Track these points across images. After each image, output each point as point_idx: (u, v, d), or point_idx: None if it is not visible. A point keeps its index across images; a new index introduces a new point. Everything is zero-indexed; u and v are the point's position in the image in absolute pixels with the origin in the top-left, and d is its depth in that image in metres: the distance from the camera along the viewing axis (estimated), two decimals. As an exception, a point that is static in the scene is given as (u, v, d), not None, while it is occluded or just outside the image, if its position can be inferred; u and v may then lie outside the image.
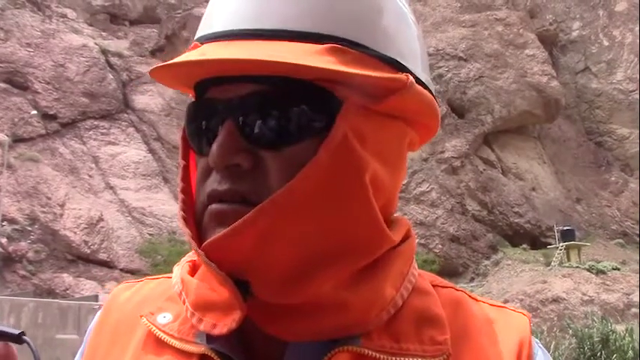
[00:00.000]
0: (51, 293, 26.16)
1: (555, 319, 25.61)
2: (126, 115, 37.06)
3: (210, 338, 0.60)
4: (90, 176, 32.82)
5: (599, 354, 12.69)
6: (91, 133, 35.05)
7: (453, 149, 36.98)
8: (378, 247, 0.59)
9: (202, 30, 0.62)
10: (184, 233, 0.60)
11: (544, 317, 27.22)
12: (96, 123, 35.60)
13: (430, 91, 0.63)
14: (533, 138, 43.50)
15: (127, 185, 33.45)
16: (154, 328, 0.63)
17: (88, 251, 29.30)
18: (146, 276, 0.78)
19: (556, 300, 29.72)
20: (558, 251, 35.21)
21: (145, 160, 35.28)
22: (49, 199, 29.98)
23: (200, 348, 0.59)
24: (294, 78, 0.56)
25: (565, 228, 37.01)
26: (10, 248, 27.29)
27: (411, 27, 0.64)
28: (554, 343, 13.45)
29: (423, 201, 35.08)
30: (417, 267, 0.66)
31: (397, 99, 0.58)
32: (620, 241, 40.49)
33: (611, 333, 13.04)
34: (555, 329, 16.74)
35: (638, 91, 44.27)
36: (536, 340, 0.65)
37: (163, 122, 37.29)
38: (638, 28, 44.83)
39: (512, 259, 35.30)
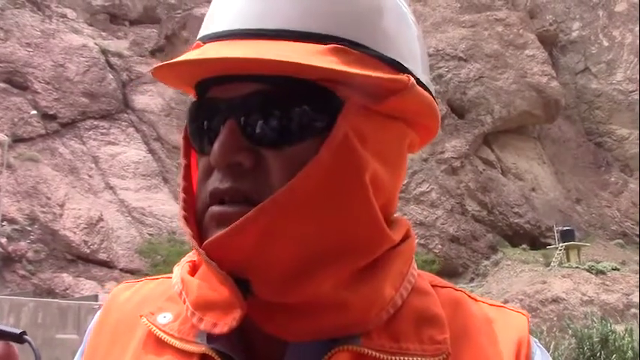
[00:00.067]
0: (51, 293, 26.16)
1: (555, 319, 25.62)
2: (126, 115, 37.06)
3: (210, 338, 0.60)
4: (90, 176, 32.82)
5: (598, 354, 12.68)
6: (90, 133, 35.04)
7: (453, 149, 36.98)
8: (378, 246, 0.60)
9: (204, 30, 0.62)
10: (185, 232, 0.60)
11: (544, 317, 27.23)
12: (96, 123, 35.60)
13: (430, 92, 0.63)
14: (533, 138, 43.51)
15: (127, 185, 33.45)
16: (154, 328, 0.63)
17: (88, 251, 29.31)
18: (146, 276, 0.78)
19: (556, 300, 29.72)
20: (558, 251, 35.20)
21: (145, 160, 35.28)
22: (49, 199, 29.98)
23: (200, 348, 0.59)
24: (296, 78, 0.56)
25: (565, 228, 37.00)
26: (10, 248, 27.29)
27: (411, 28, 0.65)
28: (553, 343, 13.45)
29: (422, 201, 35.08)
30: (416, 267, 0.66)
31: (398, 100, 0.58)
32: (620, 241, 40.48)
33: (610, 333, 13.04)
34: (555, 329, 16.75)
35: (637, 92, 44.26)
36: (535, 339, 0.65)
37: (163, 122, 37.29)
38: (637, 29, 44.83)
39: (511, 260, 35.30)
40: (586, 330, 13.58)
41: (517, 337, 0.63)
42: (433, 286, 0.66)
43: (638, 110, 43.63)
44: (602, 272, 32.81)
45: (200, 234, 0.59)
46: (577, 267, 33.48)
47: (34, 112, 32.39)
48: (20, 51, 35.43)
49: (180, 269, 0.66)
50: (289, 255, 0.56)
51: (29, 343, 0.70)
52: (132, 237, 30.79)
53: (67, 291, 26.99)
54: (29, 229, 28.40)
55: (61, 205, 30.12)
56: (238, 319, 0.56)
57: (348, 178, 0.56)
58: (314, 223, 0.56)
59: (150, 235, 31.00)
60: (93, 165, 33.57)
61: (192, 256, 0.67)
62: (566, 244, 35.87)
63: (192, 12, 40.39)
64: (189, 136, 0.63)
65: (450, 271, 31.69)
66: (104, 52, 38.69)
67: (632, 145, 44.89)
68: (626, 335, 13.18)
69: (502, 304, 0.68)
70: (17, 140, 31.34)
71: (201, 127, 0.61)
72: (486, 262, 35.12)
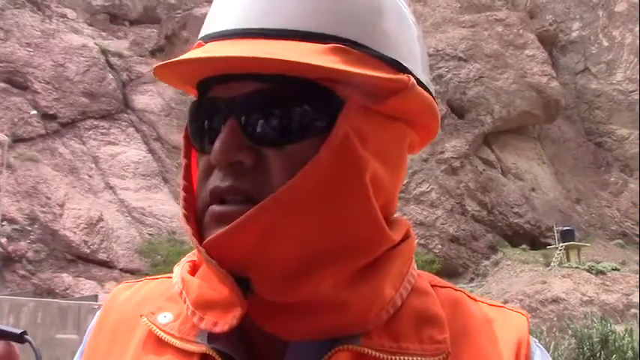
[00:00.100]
0: (50, 293, 26.16)
1: (555, 319, 25.62)
2: (126, 115, 37.06)
3: (211, 338, 0.60)
4: (90, 176, 32.82)
5: (598, 354, 12.68)
6: (90, 133, 35.04)
7: (453, 149, 36.98)
8: (378, 245, 0.60)
9: (206, 29, 0.63)
10: (185, 230, 0.60)
11: (543, 317, 27.23)
12: (96, 123, 35.60)
13: (430, 93, 0.63)
14: (533, 138, 43.50)
15: (127, 185, 33.45)
16: (155, 327, 0.63)
17: (88, 251, 29.31)
18: (146, 276, 0.78)
19: (555, 300, 29.72)
20: (558, 251, 35.20)
21: (145, 160, 35.28)
22: (49, 199, 29.98)
23: (201, 347, 0.59)
24: (297, 77, 0.56)
25: (565, 228, 37.00)
26: (10, 248, 27.29)
27: (412, 28, 0.65)
28: (553, 343, 13.45)
29: (422, 201, 35.08)
30: (416, 267, 0.66)
31: (398, 99, 0.58)
32: (620, 241, 40.48)
33: (610, 333, 13.03)
34: (555, 329, 16.75)
35: (637, 92, 44.26)
36: (535, 339, 0.65)
37: (163, 122, 37.29)
38: (637, 29, 44.83)
39: (511, 260, 35.30)
40: (586, 330, 13.57)
41: (517, 337, 0.63)
42: (433, 286, 0.66)
43: (638, 110, 43.63)
44: (602, 272, 32.81)
45: (200, 233, 0.59)
46: (577, 267, 33.48)
47: (34, 112, 32.39)
48: (20, 51, 35.43)
49: (180, 269, 0.66)
50: (289, 253, 0.56)
51: (30, 343, 0.70)
52: (132, 237, 30.79)
53: (67, 291, 26.99)
54: (29, 229, 28.40)
55: (61, 205, 30.12)
56: (238, 318, 0.56)
57: (349, 177, 0.57)
58: (314, 222, 0.56)
59: (150, 235, 31.00)
60: (93, 165, 33.56)
61: (192, 256, 0.67)
62: (566, 244, 35.87)
63: (192, 12, 40.39)
64: (189, 135, 0.63)
65: (449, 271, 31.70)
66: (104, 52, 38.69)
67: (632, 145, 44.88)
68: (626, 335, 13.17)
69: (502, 304, 0.68)
70: (17, 140, 31.34)
71: (202, 126, 0.61)
72: (486, 262, 35.12)
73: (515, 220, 38.09)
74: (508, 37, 41.86)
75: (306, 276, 0.56)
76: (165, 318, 0.63)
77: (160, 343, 0.62)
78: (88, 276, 28.49)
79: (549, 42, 45.52)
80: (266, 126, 0.57)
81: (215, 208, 0.58)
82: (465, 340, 0.61)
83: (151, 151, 36.11)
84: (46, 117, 33.95)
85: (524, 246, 36.82)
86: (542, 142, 44.17)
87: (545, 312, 28.68)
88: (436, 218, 34.97)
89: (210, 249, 0.56)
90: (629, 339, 13.04)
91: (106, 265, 29.47)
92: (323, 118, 0.57)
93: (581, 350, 13.01)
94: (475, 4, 43.34)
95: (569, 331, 14.21)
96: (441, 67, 39.23)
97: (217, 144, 0.57)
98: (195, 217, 0.61)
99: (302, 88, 0.57)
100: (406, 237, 0.65)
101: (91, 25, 42.23)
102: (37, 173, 30.70)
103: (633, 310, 28.57)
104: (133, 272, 26.87)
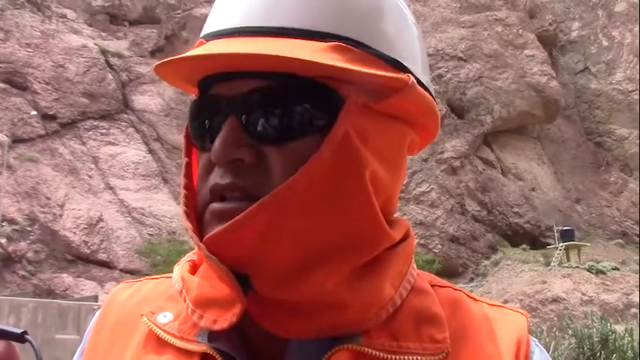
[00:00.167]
0: (50, 293, 26.17)
1: (555, 319, 25.60)
2: (125, 115, 37.07)
3: (211, 337, 0.60)
4: (89, 176, 32.83)
5: (598, 354, 12.68)
6: (90, 133, 35.05)
7: (453, 149, 36.99)
8: (377, 243, 0.60)
9: (207, 28, 0.63)
10: (186, 227, 0.60)
11: (543, 317, 27.22)
12: (95, 123, 35.61)
13: (430, 93, 0.63)
14: (533, 138, 43.51)
15: (127, 185, 33.45)
16: (155, 327, 0.63)
17: (88, 251, 29.31)
18: (146, 276, 0.78)
19: (555, 300, 29.73)
20: (558, 251, 35.20)
21: (145, 161, 35.28)
22: (49, 199, 29.98)
23: (201, 347, 0.59)
24: (297, 75, 0.56)
25: (564, 228, 37.00)
26: (10, 248, 27.29)
27: (412, 28, 0.65)
28: (553, 343, 13.44)
29: (422, 201, 35.09)
30: (415, 267, 0.67)
31: (399, 98, 0.59)
32: (620, 241, 40.50)
33: (610, 333, 13.03)
34: (555, 329, 16.73)
35: (637, 92, 44.27)
36: (534, 339, 0.65)
37: (163, 122, 37.29)
38: (637, 29, 44.84)
39: (511, 260, 35.30)
40: (586, 330, 13.57)
41: (516, 337, 0.63)
42: (432, 285, 0.67)
43: (637, 110, 43.64)
44: (602, 272, 32.83)
45: (201, 230, 0.59)
46: (577, 267, 33.49)
47: (34, 112, 32.41)
48: (20, 51, 35.44)
49: (180, 268, 0.66)
50: (289, 250, 0.56)
51: (30, 343, 0.70)
52: (132, 237, 30.79)
53: (67, 291, 27.00)
54: (29, 229, 28.41)
55: (61, 206, 30.12)
56: (238, 315, 0.56)
57: (349, 175, 0.57)
58: (314, 220, 0.56)
59: (150, 235, 31.00)
60: (93, 165, 33.57)
61: (192, 255, 0.67)
62: (566, 243, 35.87)
63: (192, 12, 40.40)
64: (190, 133, 0.63)
65: (449, 271, 31.70)
66: (104, 52, 38.71)
67: (631, 144, 44.89)
68: (626, 335, 13.17)
69: (501, 304, 0.68)
70: (17, 141, 31.36)
71: (202, 124, 0.61)
72: (486, 262, 35.12)
73: (515, 220, 38.10)
74: (508, 37, 41.87)
75: (305, 273, 0.56)
76: (165, 317, 0.63)
77: (160, 343, 0.62)
78: (88, 276, 28.49)
79: (549, 42, 45.52)
80: (266, 124, 0.57)
81: (215, 205, 0.58)
82: (465, 339, 0.61)
83: (151, 151, 36.12)
84: (46, 117, 33.96)
85: (524, 246, 36.83)
86: (542, 142, 44.18)
87: (545, 312, 28.69)
88: (436, 218, 34.98)
89: (210, 246, 0.56)
90: (629, 339, 13.04)
91: (106, 265, 29.47)
92: (323, 117, 0.57)
93: (581, 350, 13.00)
94: (475, 4, 43.33)
95: (570, 331, 14.20)
96: (440, 67, 39.24)
97: (218, 141, 0.57)
98: (196, 214, 0.61)
99: (303, 86, 0.57)
100: (406, 237, 0.65)
101: (90, 25, 42.23)
102: (37, 174, 30.71)
103: (633, 310, 28.58)
104: (133, 272, 26.87)
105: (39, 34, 36.98)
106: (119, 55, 39.41)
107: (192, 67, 0.61)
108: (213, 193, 0.58)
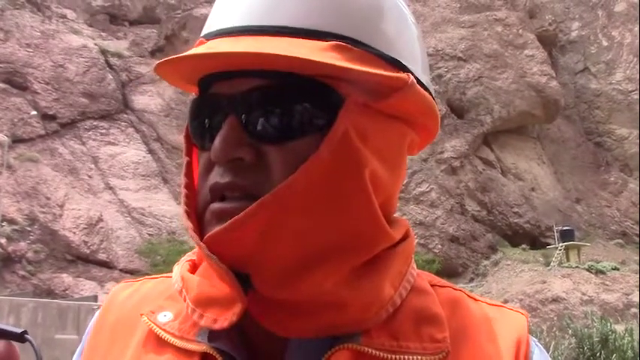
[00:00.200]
0: (50, 293, 26.16)
1: (555, 319, 25.60)
2: (125, 115, 37.07)
3: (211, 337, 0.60)
4: (89, 176, 32.83)
5: (598, 354, 12.67)
6: (90, 133, 35.06)
7: (453, 149, 37.00)
8: (377, 242, 0.60)
9: (208, 27, 0.63)
10: (186, 227, 0.60)
11: (543, 317, 27.23)
12: (95, 123, 35.61)
13: (430, 93, 0.63)
14: (533, 138, 43.52)
15: (127, 185, 33.45)
16: (155, 326, 0.63)
17: (88, 251, 29.31)
18: (145, 276, 0.78)
19: (555, 300, 29.73)
20: (558, 251, 35.21)
21: (145, 161, 35.28)
22: (49, 199, 29.98)
23: (201, 346, 0.59)
24: (297, 74, 0.56)
25: (564, 228, 37.01)
26: (10, 248, 27.29)
27: (412, 28, 0.65)
28: (553, 342, 13.44)
29: (422, 201, 35.09)
30: (415, 267, 0.67)
31: (398, 98, 0.59)
32: (620, 241, 40.51)
33: (610, 333, 13.02)
34: (555, 329, 16.73)
35: (637, 92, 44.28)
36: (534, 338, 0.65)
37: (163, 122, 37.29)
38: (637, 29, 44.85)
39: (511, 259, 35.31)
40: (586, 330, 13.56)
41: (516, 336, 0.63)
42: (432, 285, 0.67)
43: (637, 110, 43.65)
44: (601, 272, 32.84)
45: (201, 229, 0.59)
46: (577, 267, 33.50)
47: (34, 112, 32.41)
48: (20, 51, 35.44)
49: (180, 268, 0.66)
50: (289, 249, 0.56)
51: (30, 343, 0.70)
52: (131, 237, 30.79)
53: (67, 291, 26.99)
54: (29, 229, 28.41)
55: (61, 206, 30.13)
56: (238, 314, 0.56)
57: (348, 174, 0.57)
58: (313, 219, 0.56)
59: (149, 235, 31.00)
60: (93, 165, 33.57)
61: (192, 255, 0.68)
62: (565, 243, 35.88)
63: (192, 12, 40.40)
64: (190, 132, 0.63)
65: (449, 271, 31.70)
66: (104, 52, 38.71)
67: (631, 144, 44.90)
68: (626, 335, 13.17)
69: (501, 304, 0.68)
70: (17, 141, 31.36)
71: (202, 123, 0.61)
72: (486, 262, 35.13)
73: (515, 220, 38.11)
74: (507, 37, 41.87)
75: (305, 272, 0.56)
76: (165, 317, 0.63)
77: (160, 343, 0.62)
78: (88, 276, 28.49)
79: (549, 42, 45.52)
80: (266, 123, 0.57)
81: (215, 205, 0.58)
82: (465, 339, 0.61)
83: (151, 151, 36.12)
84: (46, 117, 33.96)
85: (524, 246, 36.85)
86: (542, 142, 44.19)
87: (545, 311, 28.70)
88: (436, 218, 34.98)
89: (210, 245, 0.56)
90: (629, 338, 13.03)
91: (106, 265, 29.47)
92: (323, 116, 0.57)
93: (581, 350, 13.00)
94: (474, 4, 43.33)
95: (569, 331, 14.19)
96: (440, 67, 39.24)
97: (217, 140, 0.57)
98: (197, 214, 0.61)
99: (303, 85, 0.57)
100: (406, 236, 0.65)
101: (90, 25, 42.23)
102: (37, 174, 30.71)
103: (633, 310, 28.59)
104: (133, 272, 26.87)
105: (39, 34, 36.98)
106: (119, 55, 39.41)
107: (193, 65, 0.60)
108: (213, 192, 0.58)
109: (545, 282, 31.10)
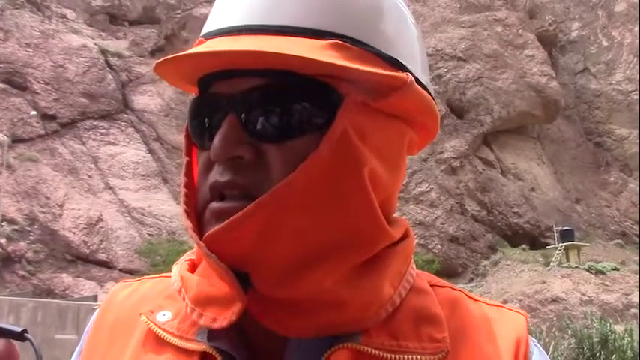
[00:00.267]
0: (50, 293, 26.17)
1: (554, 319, 25.60)
2: (125, 115, 37.07)
3: (211, 336, 0.60)
4: (89, 176, 32.83)
5: (598, 354, 12.68)
6: (90, 133, 35.06)
7: (452, 150, 36.99)
8: (377, 241, 0.60)
9: (208, 27, 0.63)
10: (185, 226, 0.60)
11: (543, 317, 27.23)
12: (95, 123, 35.61)
13: (429, 93, 0.63)
14: (533, 138, 43.51)
15: (127, 185, 33.45)
16: (154, 326, 0.63)
17: (87, 251, 29.31)
18: (145, 276, 0.78)
19: (555, 300, 29.72)
20: (557, 251, 35.20)
21: (145, 161, 35.28)
22: (49, 199, 29.98)
23: (201, 346, 0.59)
24: (296, 73, 0.57)
25: (564, 228, 37.00)
26: (10, 248, 27.29)
27: (411, 28, 0.65)
28: (553, 343, 13.44)
29: (422, 201, 35.09)
30: (415, 267, 0.67)
31: (398, 97, 0.59)
32: (620, 241, 40.50)
33: (610, 333, 13.04)
34: (554, 329, 16.73)
35: (637, 92, 44.28)
36: (533, 339, 0.66)
37: (163, 122, 37.29)
38: (637, 29, 44.86)
39: (511, 260, 35.30)
40: (585, 330, 13.58)
41: (515, 336, 0.63)
42: (432, 285, 0.67)
43: (637, 110, 43.65)
44: (601, 272, 32.82)
45: (201, 228, 0.59)
46: (576, 267, 33.48)
47: (34, 112, 32.40)
48: (20, 51, 35.44)
49: (179, 267, 0.66)
50: (289, 248, 0.56)
51: (30, 342, 0.70)
52: (131, 237, 30.79)
53: (67, 291, 27.00)
54: (29, 229, 28.41)
55: (61, 206, 30.12)
56: (238, 313, 0.56)
57: (347, 173, 0.57)
58: (313, 217, 0.56)
59: (149, 235, 31.00)
60: (92, 165, 33.57)
61: (191, 254, 0.67)
62: (565, 244, 35.86)
63: (192, 12, 40.40)
64: (190, 132, 0.63)
65: (449, 271, 31.70)
66: (104, 52, 38.70)
67: (631, 144, 44.90)
68: (626, 335, 13.18)
69: (500, 304, 0.68)
70: (17, 140, 31.35)
71: (202, 122, 0.61)
72: (486, 262, 35.12)
73: (515, 220, 38.11)
74: (507, 37, 41.87)
75: (305, 271, 0.56)
76: (164, 316, 0.63)
77: (160, 342, 0.62)
78: (88, 276, 28.49)
79: (549, 42, 45.52)
80: (266, 122, 0.57)
81: (214, 204, 0.58)
82: (464, 338, 0.62)
83: (151, 151, 36.11)
84: (46, 117, 33.96)
85: (523, 246, 36.84)
86: (542, 142, 44.18)
87: (544, 312, 28.69)
88: (436, 218, 34.98)
89: (209, 244, 0.56)
90: (629, 339, 13.04)
91: (106, 265, 29.48)
92: (322, 115, 0.57)
93: (580, 350, 13.01)
94: (474, 4, 43.33)
95: (569, 331, 14.20)
96: (440, 67, 39.24)
97: (217, 139, 0.57)
98: (196, 213, 0.61)
99: (302, 83, 0.57)
100: (405, 236, 0.65)
101: (90, 25, 42.22)
102: (37, 173, 30.71)
103: (633, 310, 28.58)
104: (133, 272, 26.86)
105: (39, 34, 36.98)
106: (119, 55, 39.41)
107: (194, 64, 0.60)
108: (213, 191, 0.58)
109: (544, 282, 31.10)
